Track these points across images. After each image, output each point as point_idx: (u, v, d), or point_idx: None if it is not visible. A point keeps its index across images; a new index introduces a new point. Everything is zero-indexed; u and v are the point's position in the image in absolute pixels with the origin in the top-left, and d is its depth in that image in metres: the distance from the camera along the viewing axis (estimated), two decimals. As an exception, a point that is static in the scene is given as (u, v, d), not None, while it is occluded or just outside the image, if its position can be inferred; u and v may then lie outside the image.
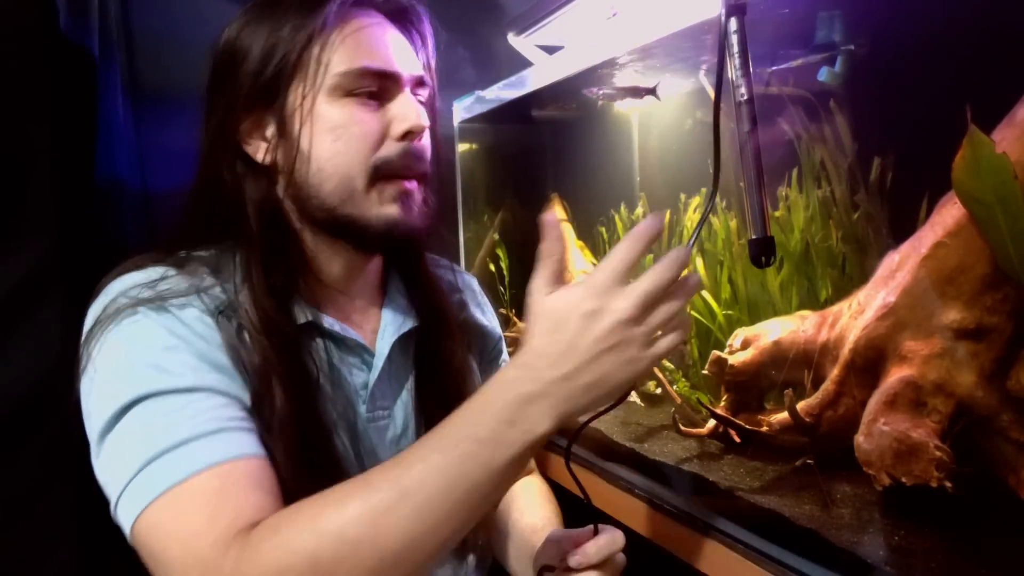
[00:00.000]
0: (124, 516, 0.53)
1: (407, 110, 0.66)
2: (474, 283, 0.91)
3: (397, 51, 0.67)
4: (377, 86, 0.65)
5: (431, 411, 0.73)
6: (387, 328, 0.73)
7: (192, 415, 0.54)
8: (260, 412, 0.59)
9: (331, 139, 0.64)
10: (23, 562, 0.81)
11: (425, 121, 0.66)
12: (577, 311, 0.50)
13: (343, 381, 0.69)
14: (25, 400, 0.82)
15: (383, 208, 0.65)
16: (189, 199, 0.69)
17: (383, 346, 0.71)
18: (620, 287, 0.51)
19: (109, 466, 0.55)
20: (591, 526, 0.67)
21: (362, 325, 0.73)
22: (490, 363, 0.86)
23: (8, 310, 0.82)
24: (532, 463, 0.92)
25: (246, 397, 0.58)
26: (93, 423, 0.56)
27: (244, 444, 0.55)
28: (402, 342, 0.73)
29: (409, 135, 0.65)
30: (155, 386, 0.55)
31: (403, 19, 0.71)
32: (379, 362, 0.71)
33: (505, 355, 0.89)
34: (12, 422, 0.81)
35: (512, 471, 0.51)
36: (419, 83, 0.69)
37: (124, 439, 0.54)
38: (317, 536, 0.48)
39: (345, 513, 0.49)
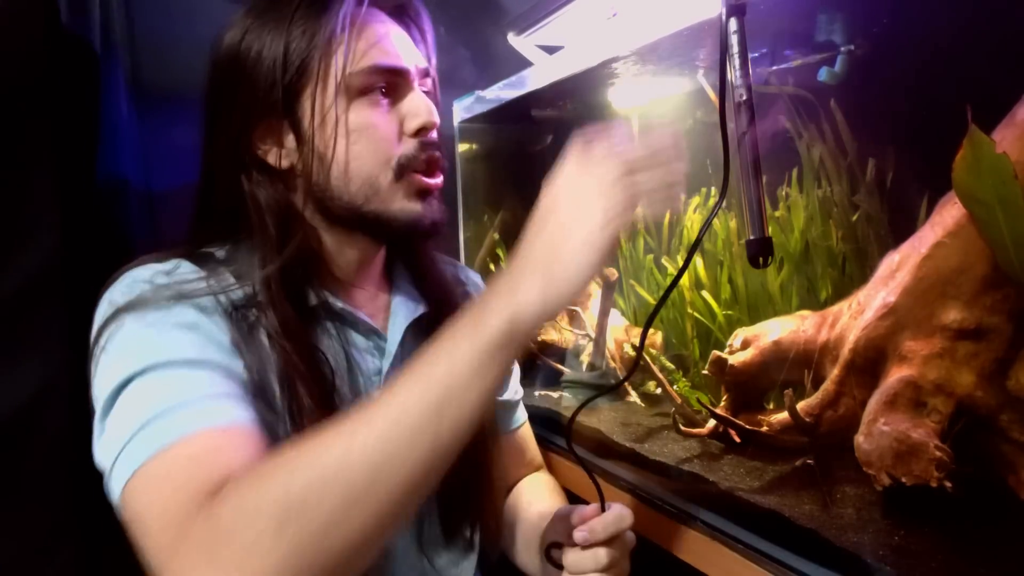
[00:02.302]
0: (115, 485, 0.52)
1: (419, 106, 0.67)
2: (479, 280, 0.91)
3: (402, 46, 0.68)
4: (387, 83, 0.66)
5: None
6: (398, 313, 0.74)
7: (189, 385, 0.54)
8: (287, 413, 0.60)
9: (351, 141, 0.65)
10: (24, 565, 0.81)
11: (435, 117, 0.68)
12: (553, 181, 0.51)
13: (357, 368, 0.69)
14: (29, 400, 0.82)
15: (407, 204, 0.67)
16: (198, 203, 0.70)
17: (396, 331, 0.72)
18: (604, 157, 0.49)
19: (107, 441, 0.54)
20: (597, 504, 0.66)
21: (373, 313, 0.73)
22: None
23: (12, 310, 0.82)
24: (540, 459, 0.92)
25: (244, 381, 0.58)
26: (98, 400, 0.56)
27: (235, 414, 0.54)
28: (413, 329, 0.74)
29: (423, 131, 0.67)
30: (159, 358, 0.55)
31: (402, 14, 0.72)
32: (392, 347, 0.71)
33: None
34: (16, 422, 0.82)
35: (488, 374, 0.47)
36: (424, 74, 0.71)
37: (122, 410, 0.54)
38: (288, 473, 0.45)
39: (314, 446, 0.46)
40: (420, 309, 0.75)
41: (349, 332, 0.70)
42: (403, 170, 0.66)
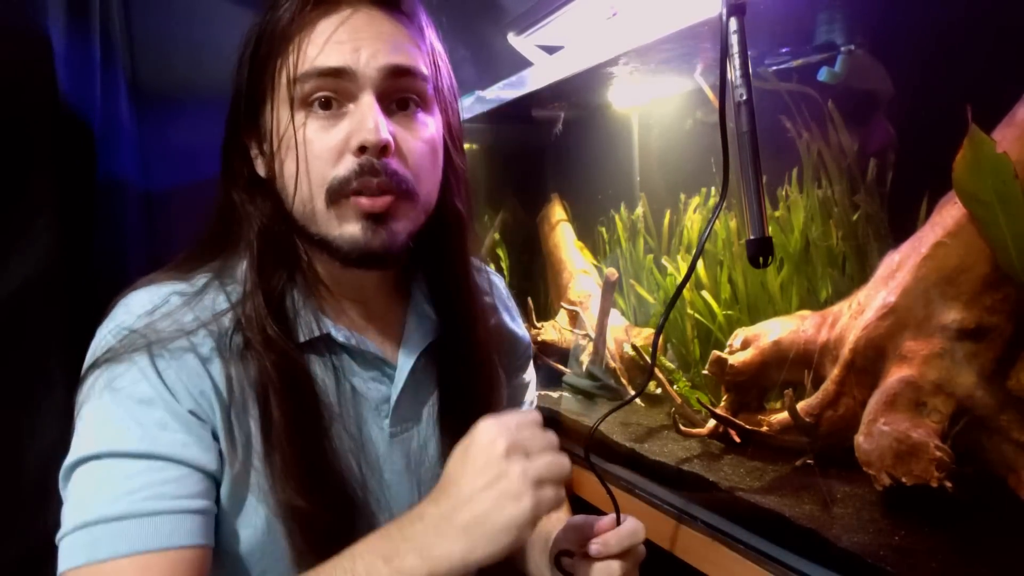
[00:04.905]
0: (59, 563, 0.53)
1: (363, 121, 0.58)
2: (501, 283, 0.86)
3: (363, 40, 0.58)
4: (333, 89, 0.58)
5: (455, 425, 0.69)
6: (411, 340, 0.69)
7: (138, 488, 0.53)
8: (261, 429, 0.59)
9: (291, 158, 0.59)
10: (23, 566, 0.81)
11: (384, 134, 0.57)
12: (470, 444, 0.51)
13: (360, 396, 0.66)
14: (27, 401, 0.82)
15: (346, 229, 0.60)
16: (213, 211, 0.67)
17: (406, 360, 0.68)
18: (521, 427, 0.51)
19: (62, 512, 0.55)
20: (613, 515, 0.66)
21: (383, 335, 0.69)
22: (517, 371, 0.83)
23: (10, 311, 0.82)
24: None
25: (209, 459, 0.57)
26: (67, 460, 0.56)
27: (176, 534, 0.53)
28: (427, 352, 0.70)
29: (365, 150, 0.58)
30: (115, 445, 0.54)
31: (395, 8, 0.62)
32: (402, 376, 0.67)
33: (531, 363, 0.86)
34: (14, 424, 0.82)
35: None
36: (401, 73, 0.60)
37: (72, 493, 0.55)
38: None
39: None
40: (434, 334, 0.70)
41: (351, 362, 0.66)
42: (336, 194, 0.58)
